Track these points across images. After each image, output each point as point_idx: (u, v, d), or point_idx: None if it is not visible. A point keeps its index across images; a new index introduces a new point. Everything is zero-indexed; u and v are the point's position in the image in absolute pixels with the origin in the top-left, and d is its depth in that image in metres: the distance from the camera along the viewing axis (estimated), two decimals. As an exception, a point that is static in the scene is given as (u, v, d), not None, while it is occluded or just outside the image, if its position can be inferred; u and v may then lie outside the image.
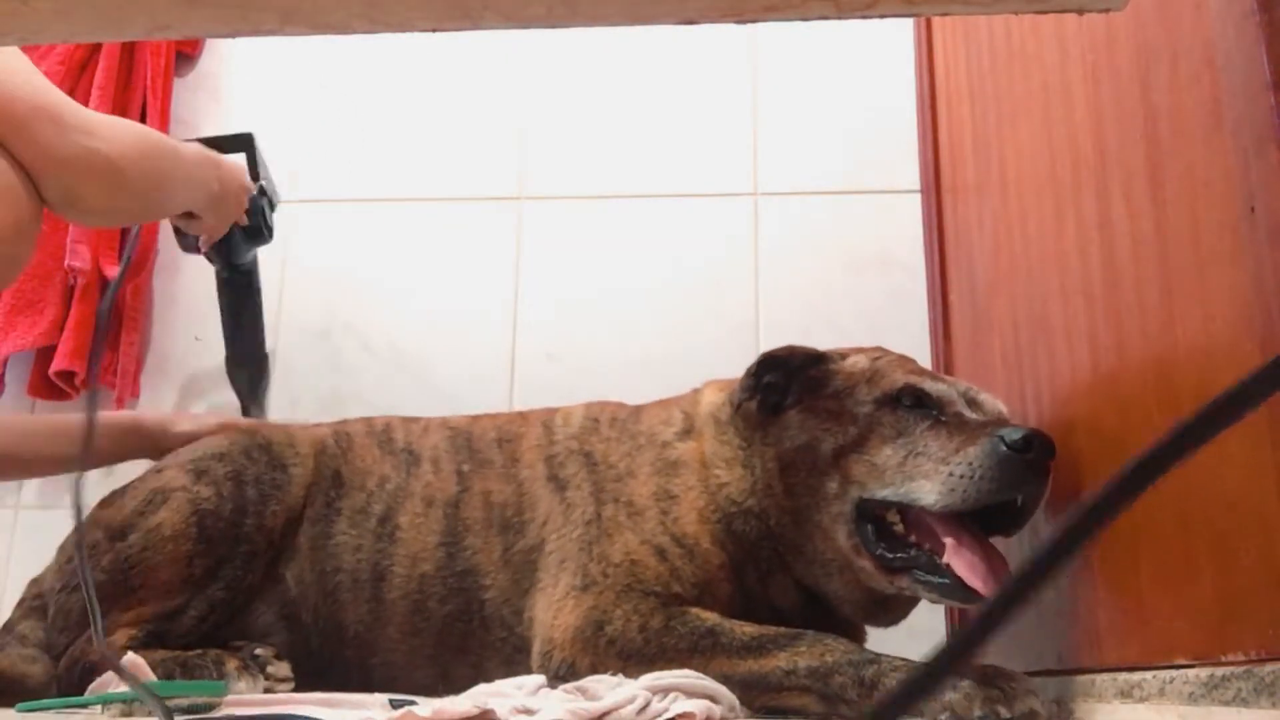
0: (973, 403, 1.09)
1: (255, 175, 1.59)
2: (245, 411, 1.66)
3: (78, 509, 1.05)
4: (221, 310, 1.67)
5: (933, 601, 1.06)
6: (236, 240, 1.56)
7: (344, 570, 1.25)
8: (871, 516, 1.06)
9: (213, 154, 1.41)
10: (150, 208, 1.31)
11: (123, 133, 1.16)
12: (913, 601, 1.16)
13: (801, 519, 1.10)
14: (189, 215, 1.46)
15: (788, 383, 1.15)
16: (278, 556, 1.27)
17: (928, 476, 1.01)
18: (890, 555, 1.05)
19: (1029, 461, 0.97)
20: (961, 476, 0.98)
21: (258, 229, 1.56)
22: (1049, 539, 0.34)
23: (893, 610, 1.16)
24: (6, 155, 1.06)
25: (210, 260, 1.61)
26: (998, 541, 1.05)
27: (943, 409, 1.06)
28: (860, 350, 1.19)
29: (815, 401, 1.13)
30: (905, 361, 1.15)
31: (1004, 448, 0.97)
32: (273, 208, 1.62)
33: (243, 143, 1.60)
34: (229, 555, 1.22)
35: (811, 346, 1.19)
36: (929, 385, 1.08)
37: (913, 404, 1.07)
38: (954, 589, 1.00)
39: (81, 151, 1.09)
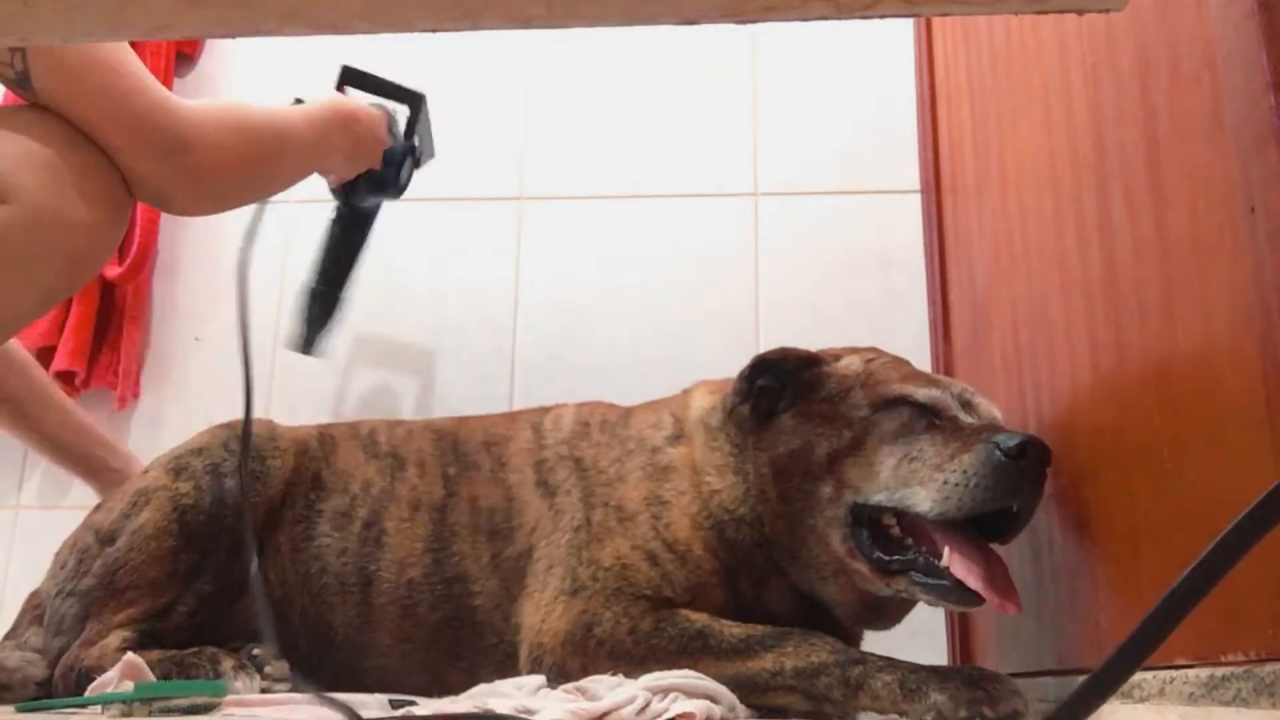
0: (967, 405, 1.08)
1: (410, 133, 1.61)
2: (304, 346, 1.65)
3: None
4: (323, 242, 1.66)
5: (930, 604, 1.05)
6: (362, 185, 1.56)
7: (329, 573, 1.24)
8: (867, 521, 1.06)
9: (348, 109, 1.43)
10: (258, 190, 1.31)
11: (214, 130, 1.16)
12: (908, 605, 1.15)
13: (794, 523, 1.09)
14: None
15: (781, 386, 1.15)
16: (260, 552, 1.27)
17: (923, 484, 1.00)
18: (886, 558, 1.04)
19: (1024, 469, 0.97)
20: (956, 485, 0.98)
21: (384, 180, 1.56)
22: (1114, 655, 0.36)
23: (888, 614, 1.16)
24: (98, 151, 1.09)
25: (332, 194, 1.62)
26: (994, 547, 1.05)
27: (938, 414, 1.05)
28: (854, 351, 1.18)
29: (809, 405, 1.12)
30: (899, 364, 1.15)
31: (999, 455, 0.97)
32: (417, 165, 1.63)
33: (412, 100, 1.63)
34: (212, 548, 1.22)
35: (804, 349, 1.18)
36: (923, 393, 1.07)
37: (908, 409, 1.06)
38: (952, 591, 0.99)
39: (166, 164, 1.12)
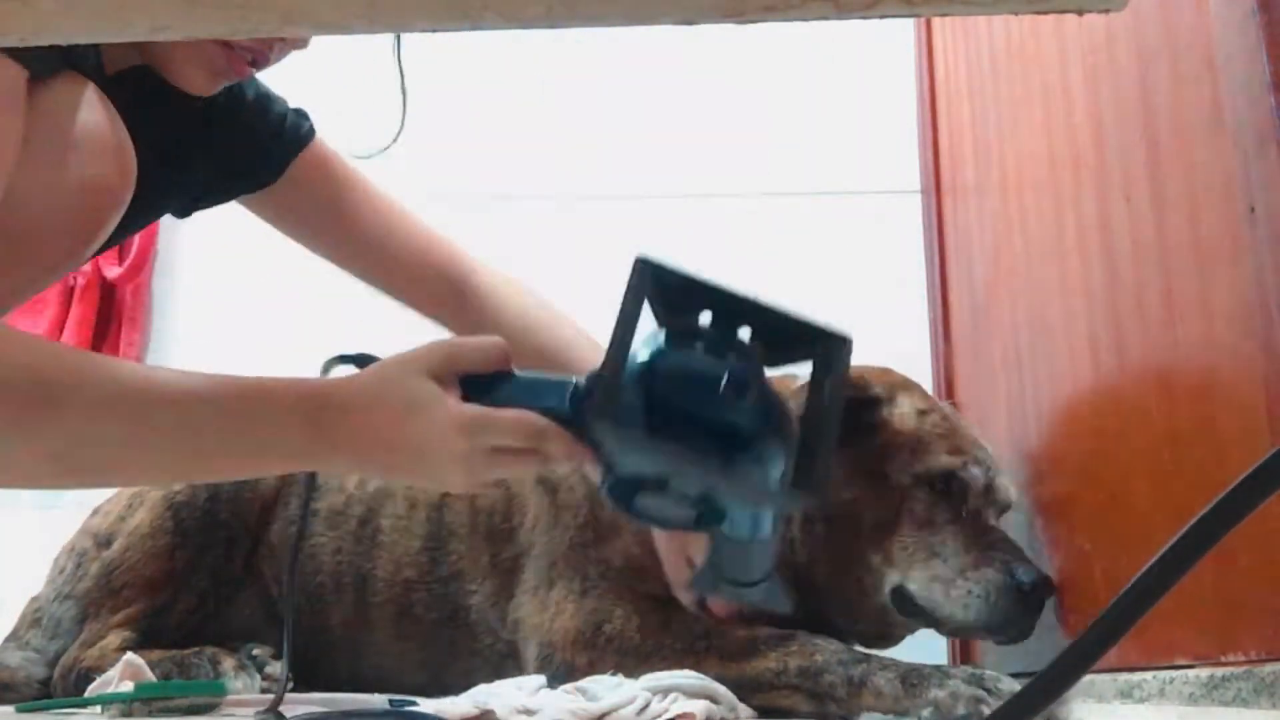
0: (989, 488, 1.10)
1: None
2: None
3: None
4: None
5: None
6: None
7: (325, 572, 1.24)
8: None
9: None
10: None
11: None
12: (913, 628, 1.17)
13: (841, 570, 1.11)
14: None
15: None
16: (255, 550, 1.27)
17: (945, 588, 1.03)
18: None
19: (1029, 602, 1.01)
20: (977, 595, 1.01)
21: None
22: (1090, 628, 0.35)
23: (893, 636, 1.18)
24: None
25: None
26: None
27: (967, 500, 1.08)
28: (907, 392, 1.17)
29: (859, 453, 1.11)
30: (951, 433, 1.13)
31: (1013, 583, 1.00)
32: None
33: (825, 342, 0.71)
34: (208, 545, 1.23)
35: (867, 384, 1.15)
36: (964, 472, 1.09)
37: (944, 489, 1.08)
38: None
39: None
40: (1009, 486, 1.12)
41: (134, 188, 0.92)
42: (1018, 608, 1.01)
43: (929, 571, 1.05)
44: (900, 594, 1.07)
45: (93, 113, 0.89)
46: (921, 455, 1.10)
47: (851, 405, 1.13)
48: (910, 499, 1.08)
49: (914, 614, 1.07)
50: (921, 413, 1.15)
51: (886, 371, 1.20)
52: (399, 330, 1.86)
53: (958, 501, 1.08)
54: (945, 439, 1.12)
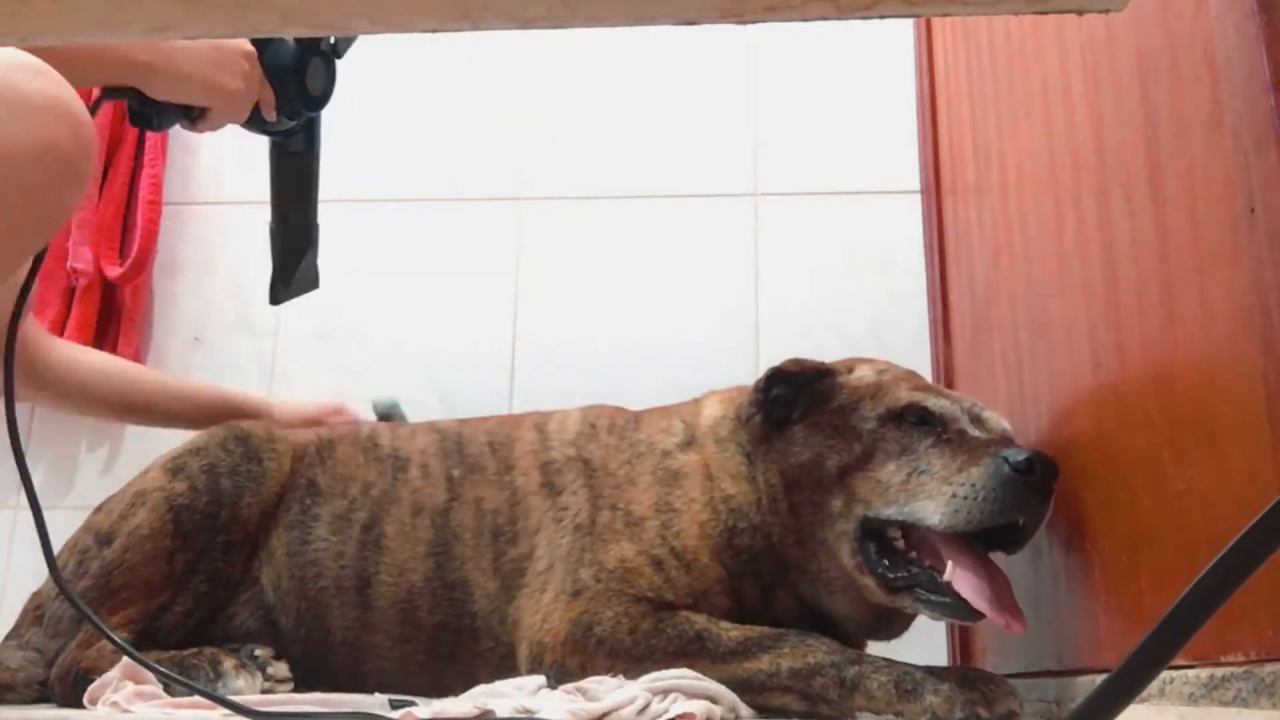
0: (977, 420, 1.08)
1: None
2: (273, 290, 1.37)
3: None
4: (271, 178, 1.40)
5: (934, 619, 1.06)
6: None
7: (326, 577, 1.24)
8: (875, 534, 1.06)
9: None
10: None
11: None
12: (913, 615, 1.16)
13: (805, 537, 1.10)
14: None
15: (794, 396, 1.14)
16: (253, 554, 1.27)
17: (931, 496, 1.00)
18: (892, 575, 1.04)
19: (1030, 483, 0.97)
20: (965, 497, 0.98)
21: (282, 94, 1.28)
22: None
23: (894, 625, 1.16)
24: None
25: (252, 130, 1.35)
26: (999, 558, 1.05)
27: (946, 426, 1.05)
28: (868, 362, 1.18)
29: (820, 417, 1.12)
30: (911, 377, 1.15)
31: (1007, 469, 0.97)
32: (335, 54, 1.36)
33: None
34: (208, 548, 1.23)
35: (819, 361, 1.18)
36: (933, 402, 1.07)
37: (917, 421, 1.06)
38: (955, 608, 1.00)
39: None
40: (1000, 418, 1.10)
41: (94, 161, 0.94)
42: (1017, 492, 0.96)
43: (908, 487, 1.02)
44: (868, 526, 1.04)
45: (43, 82, 0.92)
46: (882, 397, 1.09)
47: (807, 380, 1.14)
48: (882, 439, 1.06)
49: (887, 551, 1.03)
50: (881, 370, 1.16)
51: (852, 358, 1.21)
52: (391, 330, 1.86)
53: (935, 428, 1.05)
54: (907, 380, 1.12)
